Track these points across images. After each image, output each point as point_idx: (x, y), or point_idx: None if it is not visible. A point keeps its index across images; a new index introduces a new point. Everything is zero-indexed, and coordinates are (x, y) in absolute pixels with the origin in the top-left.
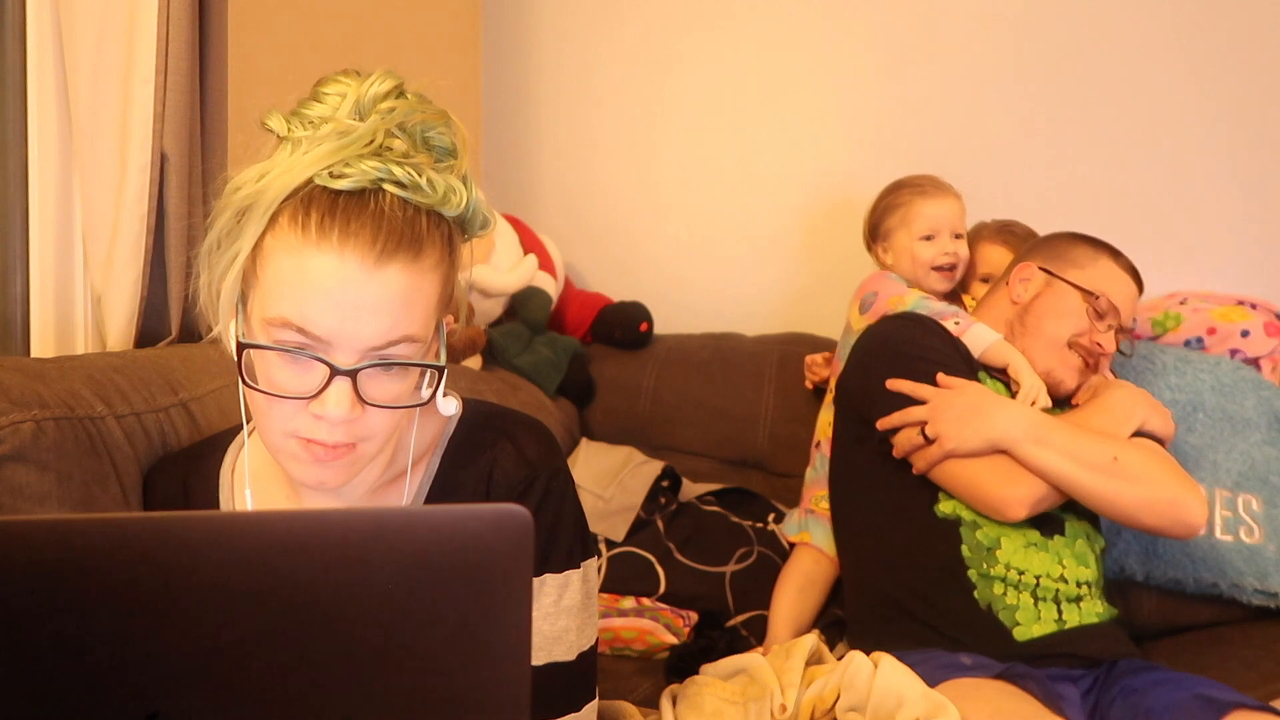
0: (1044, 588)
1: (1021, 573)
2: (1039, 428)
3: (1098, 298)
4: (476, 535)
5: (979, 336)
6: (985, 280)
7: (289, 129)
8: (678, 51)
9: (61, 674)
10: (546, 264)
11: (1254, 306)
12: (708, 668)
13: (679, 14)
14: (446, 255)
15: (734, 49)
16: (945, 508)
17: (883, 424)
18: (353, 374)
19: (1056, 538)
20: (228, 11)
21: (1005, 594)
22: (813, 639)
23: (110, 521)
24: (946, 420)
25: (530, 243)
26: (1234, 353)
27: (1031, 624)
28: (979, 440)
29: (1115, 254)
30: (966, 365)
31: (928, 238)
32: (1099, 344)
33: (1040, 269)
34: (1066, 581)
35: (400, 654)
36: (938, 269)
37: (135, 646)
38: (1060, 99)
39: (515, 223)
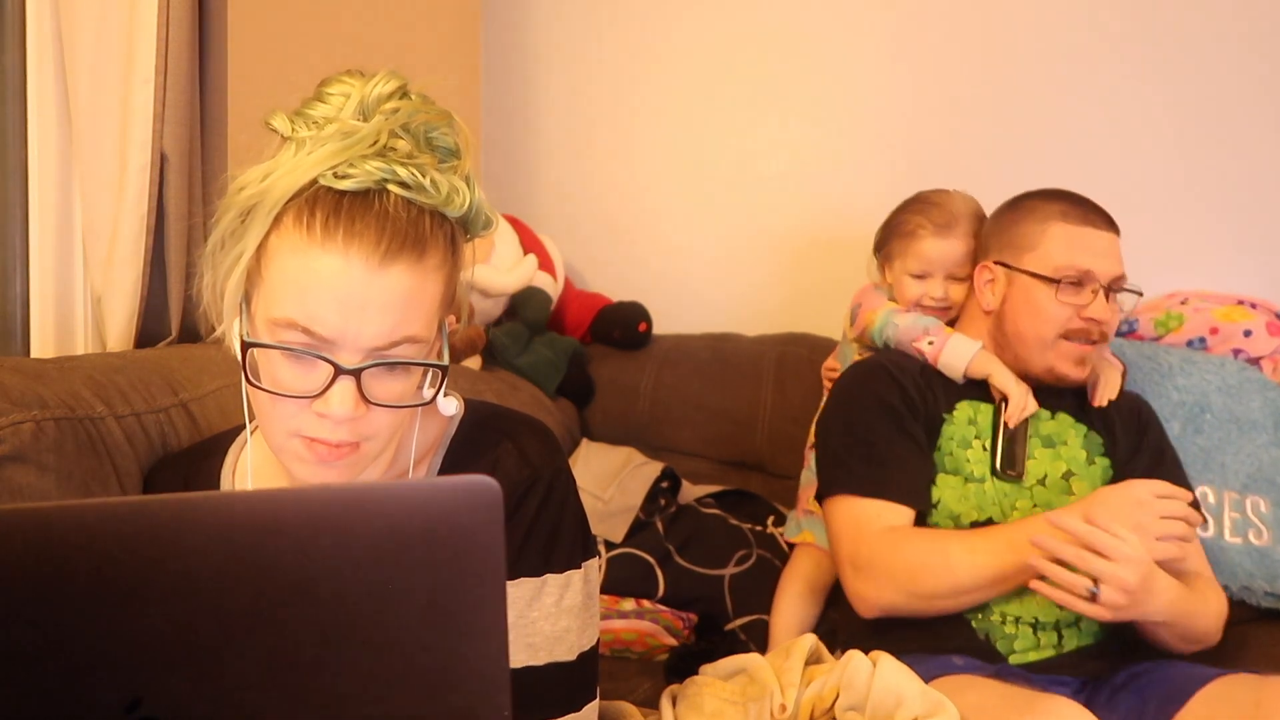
0: (1043, 622)
1: (1019, 614)
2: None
3: (1059, 281)
4: (446, 507)
5: (957, 352)
6: None
7: (293, 129)
8: (677, 52)
9: (42, 660)
10: (546, 264)
11: (1254, 306)
12: (707, 668)
13: (679, 15)
14: (449, 256)
15: (734, 50)
16: None
17: (1038, 542)
18: (356, 373)
19: None
20: (228, 11)
21: (1004, 624)
22: (812, 638)
23: (85, 508)
24: (1125, 587)
25: (530, 243)
26: (1236, 352)
27: (1029, 651)
28: (1137, 614)
29: (1065, 210)
30: (933, 404)
31: (919, 276)
32: (1092, 318)
33: (998, 264)
34: (1063, 609)
35: (376, 629)
36: (924, 308)
37: (114, 632)
38: (1059, 99)
39: (515, 223)
